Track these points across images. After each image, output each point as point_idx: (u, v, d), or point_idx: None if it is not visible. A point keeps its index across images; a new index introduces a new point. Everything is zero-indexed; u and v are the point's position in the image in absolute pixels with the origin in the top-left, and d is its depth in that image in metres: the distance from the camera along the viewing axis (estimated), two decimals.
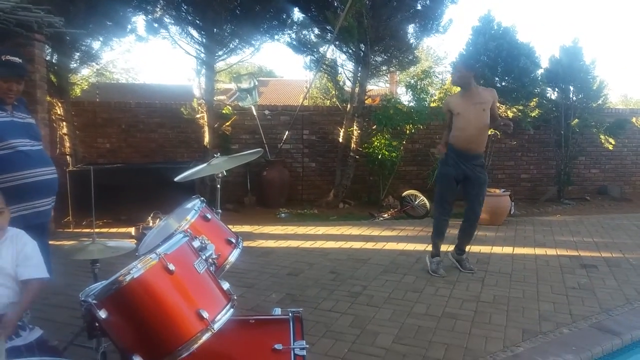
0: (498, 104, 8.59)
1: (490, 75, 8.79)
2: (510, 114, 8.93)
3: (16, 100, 2.85)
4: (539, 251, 5.72)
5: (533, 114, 8.95)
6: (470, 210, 4.78)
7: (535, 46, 9.20)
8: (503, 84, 8.88)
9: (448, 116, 4.77)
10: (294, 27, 9.25)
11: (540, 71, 9.30)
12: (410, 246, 5.90)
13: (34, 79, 5.94)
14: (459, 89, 4.84)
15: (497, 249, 5.77)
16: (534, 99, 8.97)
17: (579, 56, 9.50)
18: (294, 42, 9.29)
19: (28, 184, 2.71)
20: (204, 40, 8.36)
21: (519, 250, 5.74)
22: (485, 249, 5.76)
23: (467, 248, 5.09)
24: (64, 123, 7.89)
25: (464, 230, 4.90)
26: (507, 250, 5.77)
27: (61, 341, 2.74)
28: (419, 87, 9.26)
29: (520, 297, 4.18)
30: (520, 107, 8.86)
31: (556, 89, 9.76)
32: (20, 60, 2.79)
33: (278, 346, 1.94)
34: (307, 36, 9.44)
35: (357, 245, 6.00)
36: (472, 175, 4.61)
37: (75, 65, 8.32)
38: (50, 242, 3.28)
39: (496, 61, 8.81)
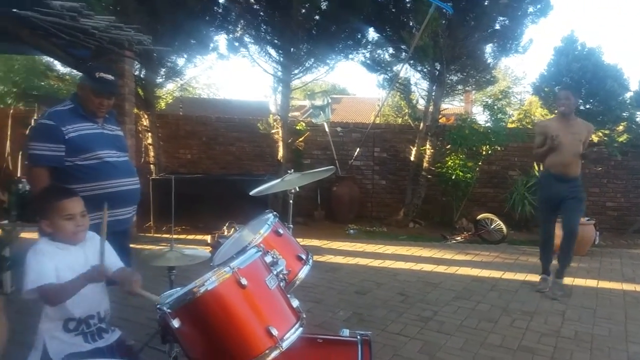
0: None
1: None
2: (595, 139, 8.46)
3: (107, 113, 2.99)
4: (627, 286, 5.28)
5: (621, 139, 8.43)
6: (566, 222, 4.81)
7: (623, 68, 8.69)
8: (587, 106, 8.47)
9: (542, 139, 4.82)
10: (369, 47, 9.31)
11: (629, 94, 8.79)
12: (485, 272, 5.65)
13: (124, 93, 6.36)
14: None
15: (579, 281, 5.39)
16: (622, 123, 8.44)
17: None
18: (368, 61, 9.33)
19: (113, 193, 2.83)
20: (281, 59, 8.59)
21: (604, 284, 5.33)
22: (567, 280, 5.36)
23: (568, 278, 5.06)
24: (149, 134, 8.36)
25: (560, 246, 4.89)
26: (591, 283, 5.38)
27: (137, 341, 2.84)
28: (496, 107, 8.97)
29: (606, 335, 3.87)
30: (607, 132, 8.41)
31: None
32: (113, 78, 2.92)
33: None
34: (381, 55, 9.47)
35: (427, 267, 5.83)
36: (569, 194, 4.74)
37: (161, 80, 8.85)
38: (132, 245, 3.44)
39: (580, 83, 8.42)
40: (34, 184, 2.79)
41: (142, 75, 8.27)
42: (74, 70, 7.15)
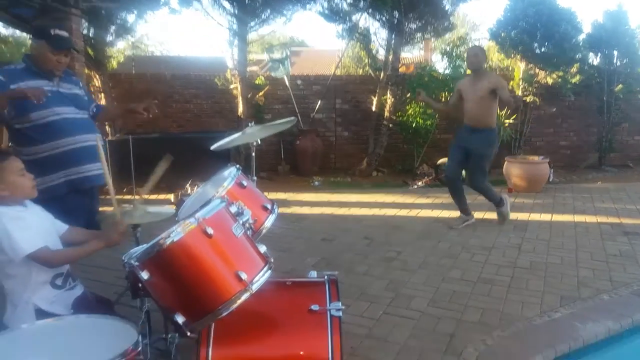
0: (537, 71, 8.47)
1: (529, 41, 8.51)
2: (550, 80, 8.74)
3: (63, 72, 2.93)
4: (579, 218, 5.59)
5: (574, 80, 8.70)
6: (468, 182, 5.23)
7: (577, 11, 8.84)
8: (542, 49, 8.60)
9: (457, 94, 5.18)
10: None
11: (582, 36, 8.96)
12: (445, 213, 5.85)
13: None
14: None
15: (535, 216, 5.67)
16: (575, 65, 8.68)
17: (624, 20, 9.08)
18: (326, 11, 9.13)
19: (77, 149, 2.82)
20: (236, 11, 8.33)
21: (558, 217, 5.62)
22: (522, 216, 5.67)
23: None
24: (102, 95, 8.10)
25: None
26: (545, 217, 5.66)
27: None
28: (454, 54, 9.04)
29: (559, 263, 4.12)
30: (561, 74, 8.63)
31: (599, 55, 9.40)
32: (68, 35, 2.92)
33: (314, 307, 1.98)
34: (340, 4, 9.26)
35: (390, 212, 5.99)
36: (471, 148, 4.98)
37: (111, 38, 8.49)
38: None
39: (535, 27, 8.51)
40: None
41: (91, 34, 7.91)
42: (17, 31, 6.77)
